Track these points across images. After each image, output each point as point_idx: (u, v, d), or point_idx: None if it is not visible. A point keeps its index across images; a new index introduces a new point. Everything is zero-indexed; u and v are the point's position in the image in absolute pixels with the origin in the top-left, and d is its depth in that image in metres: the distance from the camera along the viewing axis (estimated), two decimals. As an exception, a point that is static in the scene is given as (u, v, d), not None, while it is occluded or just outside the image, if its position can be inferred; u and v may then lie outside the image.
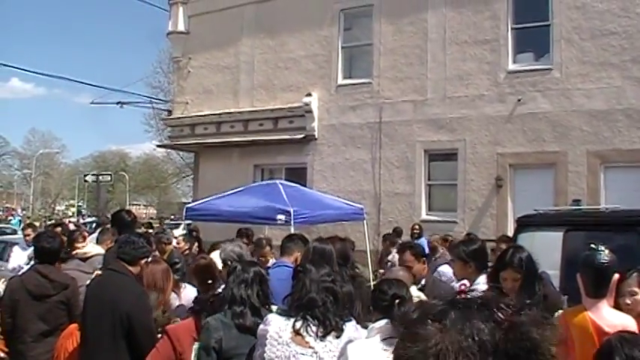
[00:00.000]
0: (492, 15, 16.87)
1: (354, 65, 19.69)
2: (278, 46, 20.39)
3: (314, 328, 3.79)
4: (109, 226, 10.29)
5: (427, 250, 8.61)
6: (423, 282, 5.98)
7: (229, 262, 6.40)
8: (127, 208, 70.44)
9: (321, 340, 3.76)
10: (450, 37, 17.39)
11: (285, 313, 3.96)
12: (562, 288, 7.52)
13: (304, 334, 3.79)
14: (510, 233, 11.95)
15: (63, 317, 6.11)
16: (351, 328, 3.89)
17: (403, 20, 18.15)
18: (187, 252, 10.73)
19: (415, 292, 4.72)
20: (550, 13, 16.13)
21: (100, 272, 6.26)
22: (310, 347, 3.76)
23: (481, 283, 5.45)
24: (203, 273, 6.52)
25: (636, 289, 4.36)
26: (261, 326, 3.97)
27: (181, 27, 22.57)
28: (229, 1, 21.28)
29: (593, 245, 4.27)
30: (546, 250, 8.41)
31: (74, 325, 5.51)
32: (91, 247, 8.37)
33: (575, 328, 4.05)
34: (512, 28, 16.71)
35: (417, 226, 15.49)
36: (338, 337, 3.78)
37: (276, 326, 3.86)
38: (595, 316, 4.00)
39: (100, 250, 8.14)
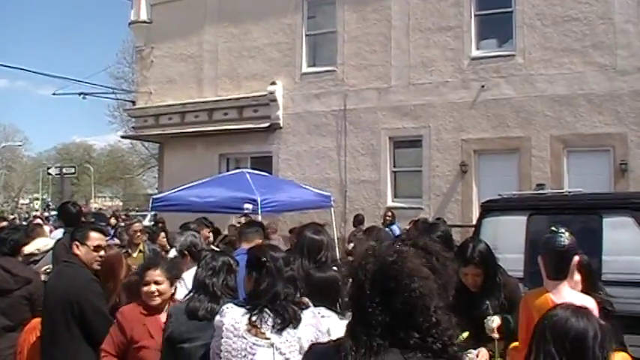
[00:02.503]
0: (456, 2, 16.92)
1: (318, 53, 19.65)
2: (242, 35, 20.26)
3: (271, 320, 3.76)
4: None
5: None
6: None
7: (185, 252, 6.44)
8: (92, 200, 70.00)
9: (279, 332, 3.75)
10: (414, 24, 17.42)
11: (241, 304, 3.93)
12: (526, 271, 7.62)
13: (260, 325, 3.76)
14: (475, 218, 12.08)
15: (26, 312, 6.00)
16: (308, 315, 3.88)
17: (367, 8, 18.15)
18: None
19: None
20: (513, 0, 16.23)
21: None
22: (266, 339, 3.74)
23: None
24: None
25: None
26: (217, 317, 3.94)
27: (144, 16, 22.32)
28: (192, -10, 21.11)
29: (553, 228, 4.32)
30: (511, 234, 8.53)
31: (37, 320, 5.47)
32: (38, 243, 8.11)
33: (537, 310, 4.08)
34: (475, 15, 16.80)
35: (389, 213, 15.52)
36: (295, 327, 3.77)
37: (231, 318, 3.83)
38: (556, 297, 4.04)
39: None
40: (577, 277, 4.48)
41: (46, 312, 5.19)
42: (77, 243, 5.29)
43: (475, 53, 16.78)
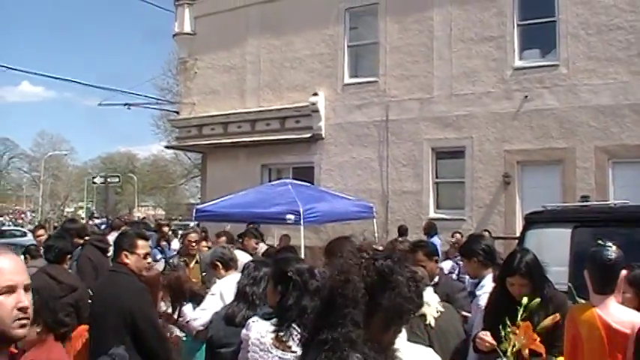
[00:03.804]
0: (498, 12, 16.84)
1: (360, 64, 19.68)
2: (284, 46, 20.40)
3: (297, 334, 3.77)
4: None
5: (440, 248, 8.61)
6: (436, 279, 5.96)
7: (216, 263, 6.56)
8: (135, 209, 70.79)
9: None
10: (456, 34, 17.37)
11: (267, 317, 3.97)
12: (571, 284, 7.52)
13: (286, 339, 3.80)
14: (519, 230, 11.96)
15: (72, 319, 6.11)
16: None
17: (408, 18, 18.14)
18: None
19: (431, 292, 4.69)
20: (556, 9, 16.08)
21: None
22: (293, 352, 3.76)
23: (487, 284, 5.47)
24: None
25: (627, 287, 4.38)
26: (243, 330, 4.02)
27: (187, 28, 22.63)
28: (235, 2, 21.32)
29: (600, 241, 4.27)
30: (555, 246, 8.40)
31: (83, 327, 5.55)
32: None
33: (583, 325, 4.06)
34: (518, 25, 16.68)
35: (427, 224, 15.40)
36: None
37: (257, 332, 3.89)
38: (602, 312, 4.00)
39: None
40: (628, 293, 4.42)
41: (95, 320, 5.23)
42: (126, 252, 5.34)
43: (518, 63, 16.64)
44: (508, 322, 4.05)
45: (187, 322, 6.43)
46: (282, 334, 3.82)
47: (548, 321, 4.20)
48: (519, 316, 4.09)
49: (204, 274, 8.94)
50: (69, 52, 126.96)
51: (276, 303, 4.03)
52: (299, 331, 3.76)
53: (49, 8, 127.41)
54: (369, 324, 2.23)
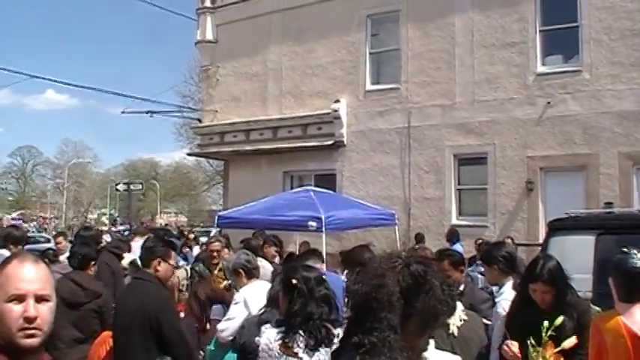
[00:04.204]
0: (520, 17, 16.77)
1: (382, 70, 19.69)
2: (305, 53, 20.45)
3: (303, 340, 3.86)
4: None
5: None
6: (461, 288, 5.93)
7: (239, 270, 6.60)
8: (158, 215, 71.17)
9: (312, 351, 3.85)
10: (478, 40, 17.32)
11: (278, 325, 4.05)
12: (594, 292, 7.46)
13: (293, 345, 3.87)
14: (542, 237, 11.88)
15: (96, 325, 6.16)
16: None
17: (430, 24, 18.11)
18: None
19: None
20: (579, 14, 15.98)
21: None
22: (298, 358, 3.85)
23: (507, 290, 5.45)
24: None
25: None
26: (256, 337, 4.12)
27: (209, 36, 22.75)
28: (256, 9, 21.41)
29: (625, 249, 4.24)
30: (578, 253, 8.35)
31: (107, 333, 5.60)
32: None
33: (608, 333, 4.03)
34: (540, 30, 16.59)
35: (450, 231, 15.27)
36: (328, 345, 3.84)
37: (267, 338, 3.97)
38: (628, 320, 3.97)
39: None
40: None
41: (120, 326, 5.27)
42: (160, 260, 5.37)
43: (540, 69, 16.55)
44: (533, 342, 4.06)
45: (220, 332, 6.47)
46: (287, 340, 3.89)
47: (567, 344, 4.19)
48: (544, 335, 4.09)
49: (228, 282, 8.96)
50: (93, 61, 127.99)
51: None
52: (305, 337, 3.87)
53: (73, 18, 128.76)
54: (405, 328, 2.26)
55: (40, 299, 2.27)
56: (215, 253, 9.67)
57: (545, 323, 4.04)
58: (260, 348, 3.97)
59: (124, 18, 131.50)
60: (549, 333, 4.08)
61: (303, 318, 3.92)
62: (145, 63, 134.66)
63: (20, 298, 2.23)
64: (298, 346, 3.85)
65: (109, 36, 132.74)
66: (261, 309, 4.95)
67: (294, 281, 4.08)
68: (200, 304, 7.33)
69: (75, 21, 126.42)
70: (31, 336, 2.23)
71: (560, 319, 4.07)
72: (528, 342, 4.12)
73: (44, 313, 2.27)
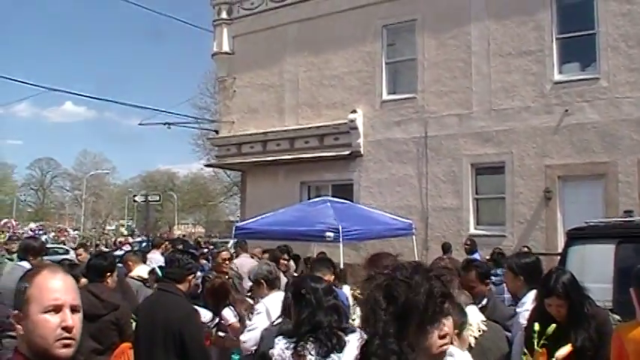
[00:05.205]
0: (536, 25, 16.73)
1: (398, 80, 19.68)
2: (322, 64, 20.50)
3: (315, 349, 3.96)
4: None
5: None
6: (484, 302, 5.83)
7: (261, 281, 6.66)
8: (175, 226, 71.43)
9: (323, 359, 3.95)
10: (494, 49, 17.28)
11: (289, 335, 4.14)
12: (615, 301, 7.40)
13: (305, 353, 3.96)
14: (560, 246, 11.81)
15: (114, 337, 6.17)
16: (354, 338, 4.01)
17: (446, 34, 18.10)
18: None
19: (475, 312, 4.66)
20: (595, 22, 15.92)
21: None
22: None
23: (529, 301, 5.40)
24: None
25: None
26: (270, 349, 4.20)
27: (226, 47, 22.84)
28: (272, 21, 21.52)
29: (645, 258, 4.22)
30: (598, 262, 8.30)
31: (126, 344, 5.63)
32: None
33: (631, 343, 3.99)
34: (556, 38, 16.53)
35: (468, 241, 15.17)
36: (339, 352, 3.95)
37: (279, 348, 4.07)
38: (649, 330, 3.95)
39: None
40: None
41: (143, 338, 5.31)
42: (194, 276, 5.50)
43: (557, 77, 16.49)
44: (526, 351, 4.03)
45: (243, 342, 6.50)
46: (299, 348, 3.99)
47: (560, 353, 4.15)
48: (535, 344, 4.05)
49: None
50: (107, 73, 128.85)
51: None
52: (316, 345, 3.98)
53: (90, 31, 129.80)
54: (405, 331, 2.36)
55: (73, 309, 2.32)
56: (225, 263, 9.84)
57: (536, 327, 3.99)
58: (274, 358, 4.06)
59: (141, 30, 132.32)
60: (542, 342, 4.04)
61: (312, 326, 4.04)
62: (162, 75, 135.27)
63: (57, 309, 2.27)
64: (310, 353, 3.94)
65: (124, 51, 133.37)
66: (275, 319, 5.03)
67: (302, 291, 4.23)
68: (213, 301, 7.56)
69: (92, 35, 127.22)
70: (68, 346, 2.28)
71: (552, 327, 4.03)
72: (520, 350, 4.10)
73: (78, 323, 2.33)
